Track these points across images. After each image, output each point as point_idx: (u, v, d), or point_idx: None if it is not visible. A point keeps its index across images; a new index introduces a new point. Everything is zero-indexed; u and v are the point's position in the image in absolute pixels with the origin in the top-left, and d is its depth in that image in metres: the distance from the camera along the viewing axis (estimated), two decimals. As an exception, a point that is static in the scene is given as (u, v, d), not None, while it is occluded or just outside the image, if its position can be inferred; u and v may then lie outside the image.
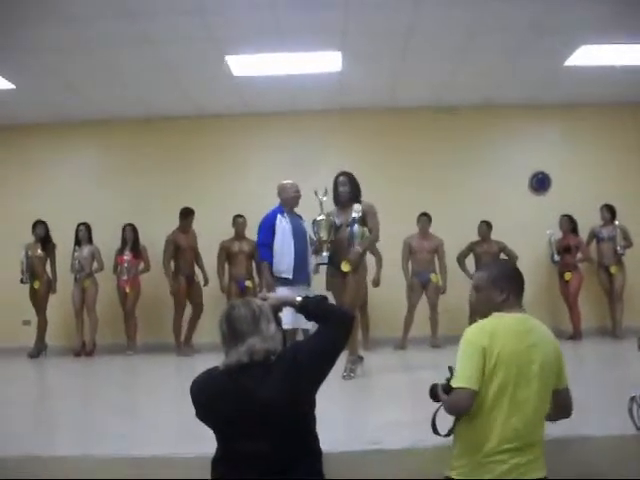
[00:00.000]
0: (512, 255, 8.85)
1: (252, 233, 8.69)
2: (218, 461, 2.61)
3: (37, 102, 8.61)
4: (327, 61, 7.59)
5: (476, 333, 2.75)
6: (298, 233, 6.38)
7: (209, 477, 2.61)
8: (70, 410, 5.22)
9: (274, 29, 6.65)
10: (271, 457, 2.47)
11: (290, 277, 6.18)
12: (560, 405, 2.86)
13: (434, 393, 2.84)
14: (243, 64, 7.60)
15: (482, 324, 2.81)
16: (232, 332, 2.56)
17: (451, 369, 2.79)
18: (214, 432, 2.58)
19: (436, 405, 2.82)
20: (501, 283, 2.86)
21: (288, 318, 6.59)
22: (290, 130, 9.51)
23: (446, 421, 2.81)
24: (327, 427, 4.19)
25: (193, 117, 9.33)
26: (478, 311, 2.99)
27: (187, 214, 8.88)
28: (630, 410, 3.20)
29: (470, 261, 8.96)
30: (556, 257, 8.87)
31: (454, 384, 2.71)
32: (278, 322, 2.70)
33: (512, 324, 2.78)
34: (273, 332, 2.57)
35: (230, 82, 8.08)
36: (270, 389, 2.46)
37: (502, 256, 8.91)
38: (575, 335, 8.80)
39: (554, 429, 3.58)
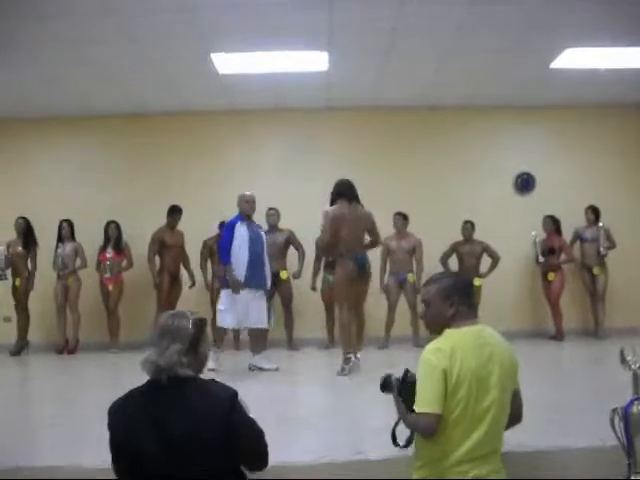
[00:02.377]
0: (495, 255, 8.90)
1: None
2: None
3: (20, 97, 8.51)
4: (314, 60, 7.56)
5: (435, 353, 2.73)
6: (255, 240, 7.03)
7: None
8: (53, 414, 5.15)
9: (260, 28, 6.62)
10: None
11: (242, 280, 6.81)
12: (513, 407, 2.86)
13: (387, 384, 2.90)
14: (229, 62, 7.55)
15: (440, 344, 2.78)
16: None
17: (407, 372, 2.86)
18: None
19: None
20: (450, 297, 2.85)
21: (229, 316, 6.85)
22: (276, 128, 9.50)
23: (406, 430, 2.85)
24: (310, 434, 4.20)
25: (178, 114, 9.26)
26: (428, 326, 2.97)
27: (173, 211, 8.86)
28: (612, 421, 3.20)
29: (453, 261, 8.99)
30: (540, 258, 8.91)
31: (417, 408, 2.72)
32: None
33: (469, 340, 2.78)
34: (172, 352, 2.48)
35: (215, 80, 8.03)
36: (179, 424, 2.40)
37: (485, 256, 8.96)
38: (557, 336, 8.85)
39: (533, 440, 3.62)
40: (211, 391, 2.49)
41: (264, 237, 7.28)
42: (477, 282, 8.75)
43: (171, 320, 2.57)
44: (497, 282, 8.92)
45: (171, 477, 2.39)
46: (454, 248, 8.99)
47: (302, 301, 8.89)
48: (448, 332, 2.82)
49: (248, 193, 7.21)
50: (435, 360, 2.71)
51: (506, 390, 2.79)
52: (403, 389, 2.83)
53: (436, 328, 2.88)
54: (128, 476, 2.48)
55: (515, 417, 2.92)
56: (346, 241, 6.57)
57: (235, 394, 2.49)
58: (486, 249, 8.94)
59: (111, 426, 2.50)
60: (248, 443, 2.50)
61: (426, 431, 2.73)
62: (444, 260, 8.93)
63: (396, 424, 2.91)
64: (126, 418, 2.47)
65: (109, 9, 6.01)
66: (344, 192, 6.80)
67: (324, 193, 9.00)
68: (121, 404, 2.53)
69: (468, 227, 8.94)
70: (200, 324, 2.60)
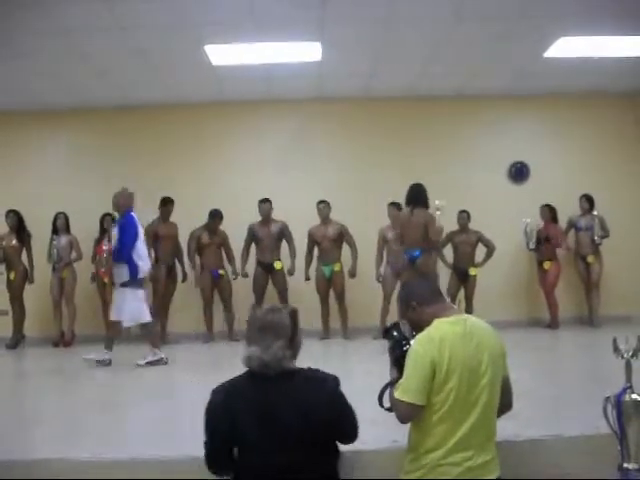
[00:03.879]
0: (489, 245, 8.92)
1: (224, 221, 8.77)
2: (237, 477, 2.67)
3: (12, 89, 8.46)
4: (307, 51, 7.55)
5: (424, 343, 2.76)
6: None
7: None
8: (48, 407, 5.18)
9: (253, 19, 6.60)
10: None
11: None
12: (503, 393, 2.87)
13: (387, 334, 2.98)
14: (222, 53, 7.54)
15: (430, 333, 2.80)
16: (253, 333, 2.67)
17: (402, 339, 2.91)
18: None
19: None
20: (409, 303, 2.94)
21: (127, 312, 6.97)
22: (269, 119, 9.48)
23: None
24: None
25: (172, 106, 9.23)
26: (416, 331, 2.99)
27: (165, 203, 8.84)
28: (605, 410, 3.22)
29: (449, 251, 9.02)
30: (531, 245, 8.92)
31: (396, 394, 2.75)
32: None
33: (456, 328, 2.80)
34: (276, 349, 2.62)
35: (209, 71, 8.01)
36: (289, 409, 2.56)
37: (480, 246, 8.97)
38: (552, 324, 8.88)
39: (527, 429, 3.65)
40: (316, 380, 2.66)
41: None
42: (472, 271, 8.77)
43: (270, 316, 2.69)
44: (492, 271, 8.94)
45: (275, 465, 2.54)
46: (449, 238, 9.00)
47: (296, 293, 8.87)
48: (437, 322, 2.84)
49: (125, 188, 7.37)
50: (422, 350, 2.73)
51: (496, 377, 2.80)
52: (401, 356, 2.84)
53: (422, 328, 2.89)
54: (225, 461, 2.64)
55: (505, 405, 2.94)
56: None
57: (337, 380, 2.67)
58: (481, 238, 8.96)
59: (213, 411, 2.62)
60: (348, 422, 2.70)
61: (401, 418, 2.78)
62: (439, 249, 8.91)
63: (385, 387, 2.92)
64: (232, 405, 2.59)
65: (102, 0, 5.98)
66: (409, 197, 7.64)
67: (317, 183, 9.05)
68: (226, 391, 2.65)
69: (464, 216, 8.95)
70: (294, 315, 2.73)
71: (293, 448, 2.54)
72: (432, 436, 2.74)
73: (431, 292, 2.99)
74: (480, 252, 9.01)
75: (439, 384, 2.70)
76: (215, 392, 2.66)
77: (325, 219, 8.73)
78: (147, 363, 6.91)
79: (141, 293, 7.06)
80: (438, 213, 7.70)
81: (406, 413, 2.75)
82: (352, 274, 8.71)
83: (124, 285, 6.94)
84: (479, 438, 2.75)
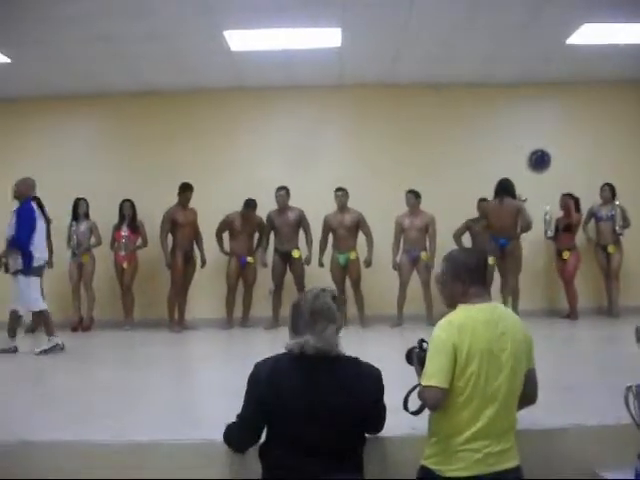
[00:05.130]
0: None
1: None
2: (268, 444, 2.79)
3: (33, 76, 8.50)
4: (326, 37, 7.50)
5: (446, 328, 2.78)
6: None
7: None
8: (66, 390, 5.21)
9: (273, 4, 6.56)
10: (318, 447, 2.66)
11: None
12: (528, 386, 2.88)
13: (410, 358, 3.01)
14: (241, 39, 7.50)
15: (451, 318, 2.82)
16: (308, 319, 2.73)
17: (422, 341, 2.96)
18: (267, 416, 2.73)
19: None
20: (462, 275, 2.89)
21: (21, 300, 6.96)
22: (288, 105, 9.45)
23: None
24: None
25: (191, 91, 9.22)
26: (445, 303, 3.04)
27: (184, 189, 8.81)
28: (626, 399, 3.18)
29: (466, 239, 8.97)
30: (549, 232, 8.83)
31: (423, 382, 2.78)
32: None
33: (480, 315, 2.80)
34: (329, 334, 2.70)
35: (228, 57, 7.99)
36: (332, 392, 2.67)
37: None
38: (571, 315, 8.80)
39: (547, 418, 3.62)
40: (362, 368, 2.79)
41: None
42: (491, 261, 8.71)
43: (318, 302, 2.75)
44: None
45: (311, 443, 2.65)
46: (468, 225, 8.94)
47: (312, 280, 8.83)
48: (460, 308, 2.85)
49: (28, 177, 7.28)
50: (444, 335, 2.75)
51: (519, 368, 2.80)
52: (423, 358, 2.87)
53: (451, 304, 2.93)
54: (254, 432, 2.81)
55: (529, 397, 2.92)
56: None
57: (380, 372, 2.81)
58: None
59: (257, 382, 2.72)
60: (381, 412, 2.89)
61: (431, 404, 2.78)
62: (457, 237, 8.87)
63: (410, 391, 2.96)
64: (277, 380, 2.68)
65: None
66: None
67: (334, 171, 9.00)
68: (271, 366, 2.73)
69: (483, 205, 8.87)
70: (336, 298, 2.82)
71: (330, 426, 2.65)
72: (453, 423, 2.75)
73: (483, 277, 2.97)
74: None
75: (460, 368, 2.71)
76: (259, 365, 2.74)
77: (342, 207, 8.69)
78: (43, 351, 6.81)
79: (35, 281, 6.97)
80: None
81: (434, 398, 2.74)
82: (368, 263, 8.66)
83: (17, 273, 6.87)
84: (499, 428, 2.75)
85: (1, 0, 6.17)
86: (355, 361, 2.79)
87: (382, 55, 8.26)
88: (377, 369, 2.80)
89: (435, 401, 2.75)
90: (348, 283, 8.79)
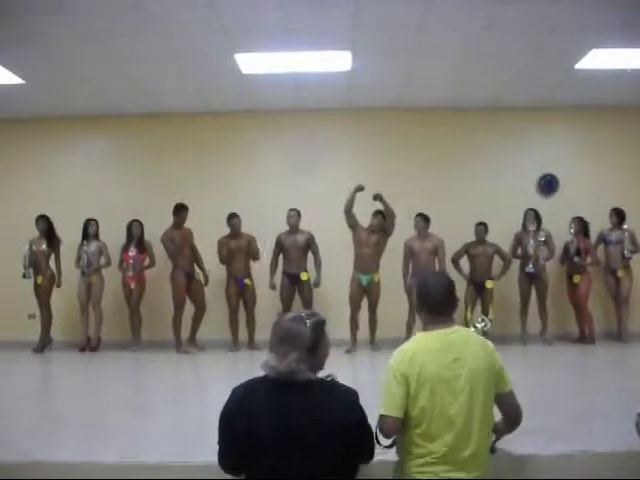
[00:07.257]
0: (506, 257, 8.88)
1: (252, 230, 8.76)
2: None
3: (44, 96, 8.57)
4: (337, 60, 7.54)
5: (397, 359, 2.84)
6: None
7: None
8: (74, 410, 5.20)
9: (284, 27, 6.60)
10: None
11: None
12: (505, 411, 2.89)
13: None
14: (252, 62, 7.55)
15: (404, 348, 2.87)
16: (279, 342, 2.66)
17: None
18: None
19: None
20: (426, 304, 2.96)
21: None
22: (298, 128, 9.46)
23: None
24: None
25: (201, 113, 9.29)
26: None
27: (179, 209, 8.77)
28: (637, 425, 3.16)
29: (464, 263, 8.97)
30: (575, 259, 8.80)
31: (380, 411, 2.83)
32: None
33: (434, 342, 2.83)
34: (290, 360, 2.60)
35: (239, 80, 8.04)
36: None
37: (496, 258, 8.90)
38: (586, 338, 8.71)
39: (556, 444, 3.59)
40: (335, 391, 2.66)
41: None
42: (489, 284, 8.71)
43: (291, 326, 2.67)
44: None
45: (287, 469, 2.53)
46: (466, 249, 8.93)
47: (322, 303, 8.80)
48: (417, 335, 2.93)
49: None
50: (395, 364, 2.82)
51: (477, 393, 2.77)
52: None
53: (423, 328, 3.02)
54: (236, 459, 2.66)
55: (511, 420, 2.93)
56: None
57: (356, 395, 2.67)
58: (498, 251, 8.88)
59: (231, 408, 2.65)
60: (364, 439, 2.69)
61: (385, 433, 2.84)
62: (456, 260, 8.84)
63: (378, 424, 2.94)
64: (249, 405, 2.60)
65: (135, 3, 5.98)
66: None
67: (345, 194, 9.02)
68: (244, 391, 2.67)
69: (481, 229, 8.86)
70: (319, 326, 2.69)
71: (307, 455, 2.53)
72: (411, 449, 2.80)
73: (430, 302, 2.95)
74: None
75: (412, 398, 2.75)
76: (234, 391, 2.69)
77: (371, 226, 8.50)
78: None
79: None
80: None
81: (387, 427, 2.81)
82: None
83: None
84: (460, 455, 2.73)
85: (14, 22, 6.24)
86: (329, 384, 2.69)
87: (392, 79, 8.29)
88: (353, 392, 2.67)
89: (388, 430, 2.82)
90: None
